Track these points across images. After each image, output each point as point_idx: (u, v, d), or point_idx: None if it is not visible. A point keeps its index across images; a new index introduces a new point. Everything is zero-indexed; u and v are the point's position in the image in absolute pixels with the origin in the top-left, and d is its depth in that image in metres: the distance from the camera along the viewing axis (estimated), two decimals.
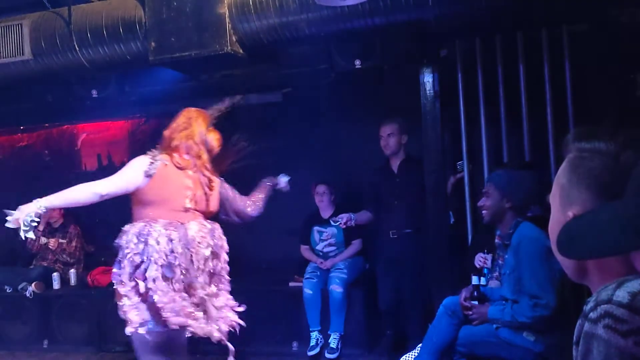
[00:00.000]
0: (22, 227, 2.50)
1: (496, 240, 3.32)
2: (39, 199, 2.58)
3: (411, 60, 4.41)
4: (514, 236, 3.11)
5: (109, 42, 4.07)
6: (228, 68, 4.70)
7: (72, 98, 5.39)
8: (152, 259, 2.60)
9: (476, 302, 3.16)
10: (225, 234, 2.96)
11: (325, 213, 5.08)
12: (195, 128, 2.94)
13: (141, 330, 2.60)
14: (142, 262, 2.61)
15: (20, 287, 5.53)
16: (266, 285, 5.22)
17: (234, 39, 3.94)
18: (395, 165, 4.58)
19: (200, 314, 2.69)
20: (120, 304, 2.65)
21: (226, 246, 2.93)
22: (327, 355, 4.59)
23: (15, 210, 2.54)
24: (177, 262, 2.64)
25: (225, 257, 2.89)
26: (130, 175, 2.73)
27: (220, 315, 2.79)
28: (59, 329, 5.51)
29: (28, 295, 5.48)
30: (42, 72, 4.34)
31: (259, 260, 5.64)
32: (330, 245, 5.04)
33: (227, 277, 2.91)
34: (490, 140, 4.31)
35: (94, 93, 5.30)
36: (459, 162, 4.43)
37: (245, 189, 3.29)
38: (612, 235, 0.93)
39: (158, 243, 2.61)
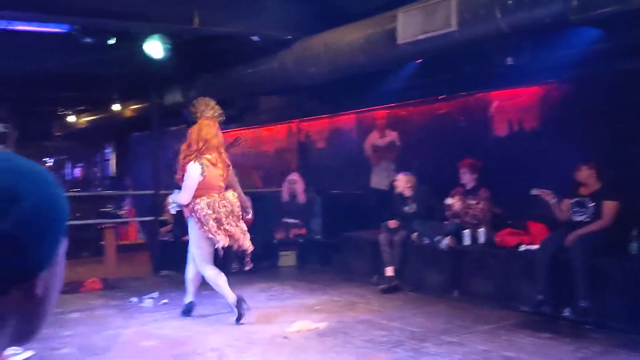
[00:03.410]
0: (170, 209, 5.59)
1: None
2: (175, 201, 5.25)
3: None
4: None
5: (530, 6, 4.11)
6: None
7: (488, 67, 5.67)
8: (222, 215, 4.93)
9: None
10: None
11: None
12: (209, 136, 5.00)
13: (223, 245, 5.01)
14: (216, 218, 4.90)
15: (436, 239, 6.20)
16: None
17: None
18: None
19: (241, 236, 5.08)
20: (212, 236, 4.92)
21: (238, 202, 5.12)
22: None
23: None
24: (231, 212, 5.03)
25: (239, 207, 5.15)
26: (195, 182, 4.93)
27: (245, 237, 5.09)
28: (468, 282, 5.98)
29: (442, 247, 6.11)
30: (465, 42, 4.68)
31: None
32: None
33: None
34: None
35: (509, 60, 5.48)
36: None
37: None
38: None
39: (223, 207, 4.95)
